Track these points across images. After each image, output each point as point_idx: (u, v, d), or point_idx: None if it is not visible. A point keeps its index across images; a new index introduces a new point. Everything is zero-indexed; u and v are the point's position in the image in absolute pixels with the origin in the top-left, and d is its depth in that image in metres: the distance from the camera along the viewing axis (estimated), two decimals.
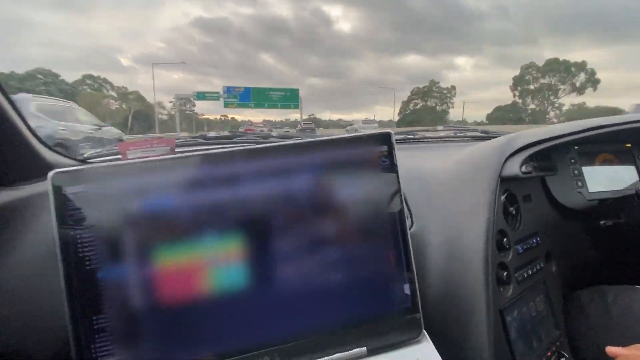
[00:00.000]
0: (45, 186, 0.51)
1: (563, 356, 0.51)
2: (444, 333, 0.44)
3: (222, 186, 0.37)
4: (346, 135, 0.41)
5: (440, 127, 0.97)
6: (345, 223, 0.39)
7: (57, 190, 0.34)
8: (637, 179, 0.63)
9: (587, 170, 0.62)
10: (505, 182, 0.49)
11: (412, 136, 0.87)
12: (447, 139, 0.87)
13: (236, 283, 0.36)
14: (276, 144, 0.38)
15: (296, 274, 0.38)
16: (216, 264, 0.36)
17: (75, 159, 0.65)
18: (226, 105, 16.89)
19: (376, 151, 0.41)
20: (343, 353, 0.38)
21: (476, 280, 0.42)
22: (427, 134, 0.90)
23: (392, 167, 0.41)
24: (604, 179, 0.63)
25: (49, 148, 0.58)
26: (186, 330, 0.35)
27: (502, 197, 0.50)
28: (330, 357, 0.38)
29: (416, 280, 0.41)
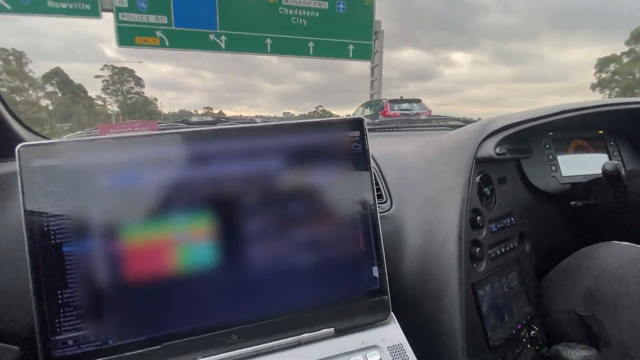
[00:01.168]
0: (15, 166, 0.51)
1: (533, 329, 0.53)
2: (418, 309, 0.45)
3: (192, 165, 0.37)
4: (319, 119, 0.42)
5: (423, 117, 0.99)
6: (315, 206, 0.40)
7: (25, 163, 0.33)
8: None
9: (560, 156, 0.65)
10: (481, 164, 0.51)
11: (394, 125, 0.89)
12: (428, 127, 0.89)
13: (204, 262, 0.37)
14: (246, 125, 0.39)
15: (265, 255, 0.38)
16: (184, 242, 0.36)
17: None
18: (123, 42, 4.44)
19: (348, 136, 0.42)
20: (311, 333, 0.39)
21: (450, 255, 0.44)
22: (411, 123, 0.91)
23: (363, 153, 0.42)
24: (577, 163, 0.66)
25: (27, 127, 0.57)
26: (153, 307, 0.35)
27: (477, 178, 0.52)
28: (298, 337, 0.38)
29: (385, 264, 0.42)
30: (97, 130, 0.64)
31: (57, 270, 0.33)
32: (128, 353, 0.35)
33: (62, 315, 0.34)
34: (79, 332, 0.34)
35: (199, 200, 0.37)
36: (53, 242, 0.33)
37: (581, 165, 0.66)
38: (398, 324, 0.41)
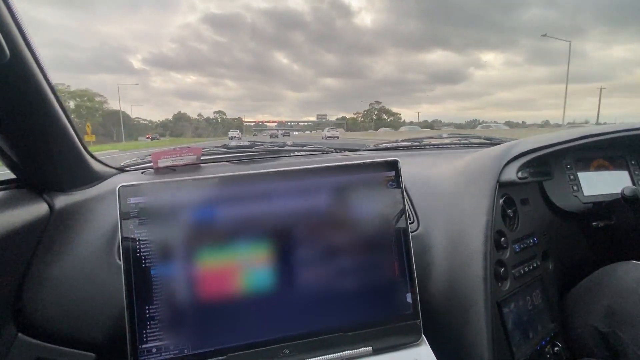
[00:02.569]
0: (95, 192, 0.60)
1: (557, 346, 0.55)
2: (446, 327, 0.48)
3: (255, 201, 0.44)
4: (360, 162, 0.48)
5: (445, 135, 1.02)
6: (356, 237, 0.46)
7: (123, 200, 0.41)
8: (630, 183, 0.67)
9: (582, 176, 0.66)
10: (504, 187, 0.54)
11: (418, 143, 0.93)
12: (451, 146, 0.92)
13: (263, 284, 0.43)
14: (300, 167, 0.46)
15: (313, 279, 0.44)
16: (246, 268, 0.43)
17: (114, 168, 0.73)
18: None
19: (385, 175, 0.48)
20: (352, 351, 0.44)
21: (476, 275, 0.47)
22: (433, 141, 0.95)
23: (398, 189, 0.48)
24: (599, 183, 0.67)
25: (94, 157, 0.66)
26: (220, 322, 0.42)
27: (501, 201, 0.54)
28: (340, 354, 0.44)
29: (417, 290, 0.47)
30: (150, 157, 0.73)
31: (145, 289, 0.41)
32: None
33: (148, 327, 0.40)
34: (161, 342, 0.41)
35: (260, 231, 0.44)
36: (143, 265, 0.41)
37: (603, 184, 0.67)
38: (428, 345, 0.46)
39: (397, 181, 0.48)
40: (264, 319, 0.43)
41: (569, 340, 0.58)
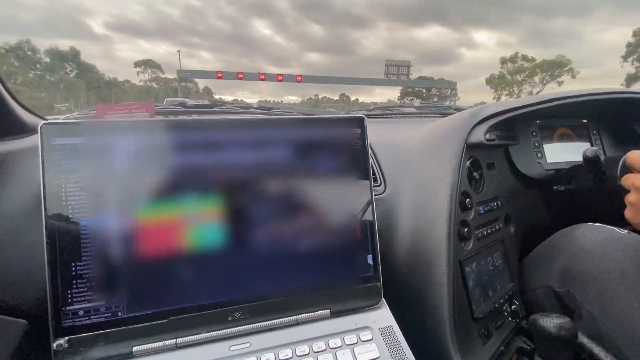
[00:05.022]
0: (22, 144, 0.52)
1: (514, 304, 0.58)
2: (408, 289, 0.48)
3: (203, 151, 0.40)
4: (323, 115, 0.45)
5: (415, 104, 1.03)
6: (316, 195, 0.43)
7: (46, 140, 0.35)
8: None
9: (546, 144, 0.70)
10: (471, 149, 0.55)
11: (389, 112, 0.93)
12: (422, 115, 0.92)
13: (211, 242, 0.39)
14: (258, 117, 0.42)
15: (268, 238, 0.41)
16: (193, 223, 0.39)
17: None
18: None
19: (350, 132, 0.45)
20: (308, 314, 0.41)
21: (440, 234, 0.47)
22: (404, 110, 0.95)
23: (363, 149, 0.45)
24: (561, 151, 0.71)
25: (26, 109, 0.58)
26: (161, 283, 0.38)
27: (467, 163, 0.55)
28: (297, 316, 0.41)
29: (379, 252, 0.45)
30: (94, 111, 0.65)
31: (72, 243, 0.35)
32: (135, 325, 0.36)
33: (74, 286, 0.35)
34: (90, 304, 0.35)
35: (209, 184, 0.39)
36: (70, 216, 0.35)
37: (565, 152, 0.71)
38: (388, 308, 0.44)
39: (362, 139, 0.45)
40: (212, 280, 0.39)
41: (525, 299, 0.60)
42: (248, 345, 0.38)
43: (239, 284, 0.40)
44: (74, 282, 0.35)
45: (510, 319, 0.57)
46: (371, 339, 0.40)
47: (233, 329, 0.39)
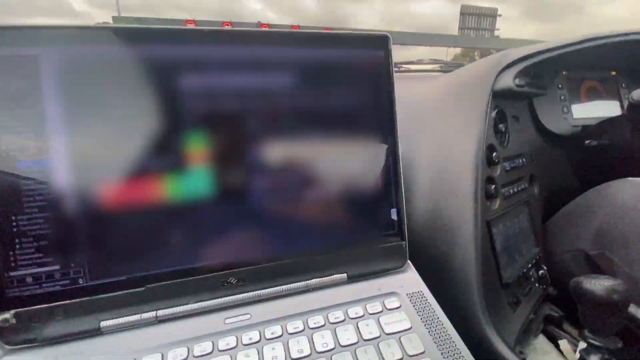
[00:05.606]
0: None
1: (542, 269, 0.53)
2: (430, 250, 0.43)
3: (185, 71, 0.30)
4: (338, 32, 0.35)
5: (426, 60, 0.94)
6: (330, 134, 0.34)
7: None
8: (619, 110, 0.66)
9: (573, 97, 0.65)
10: (497, 99, 0.49)
11: (397, 68, 0.84)
12: (434, 71, 0.84)
13: (198, 191, 0.30)
14: (255, 30, 0.32)
15: (270, 187, 0.33)
16: (173, 167, 0.30)
17: None
18: None
19: (371, 55, 0.35)
20: (321, 279, 0.34)
21: (465, 192, 0.41)
22: (412, 67, 0.86)
23: (388, 77, 0.36)
24: (589, 107, 0.66)
25: None
26: (135, 243, 0.29)
27: (493, 113, 0.49)
28: (306, 282, 0.33)
29: (404, 206, 0.37)
30: None
31: (9, 191, 0.26)
32: (102, 295, 0.29)
33: (17, 247, 0.27)
34: (40, 269, 0.27)
35: (195, 115, 0.30)
36: (4, 155, 0.26)
37: (592, 109, 0.66)
38: (415, 271, 0.37)
39: (386, 63, 0.36)
40: (201, 239, 0.31)
41: (550, 265, 0.56)
42: (248, 316, 0.31)
43: (234, 245, 0.32)
44: (17, 241, 0.27)
45: (537, 285, 0.52)
46: (399, 307, 0.32)
47: (228, 298, 0.31)
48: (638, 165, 0.57)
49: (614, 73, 0.68)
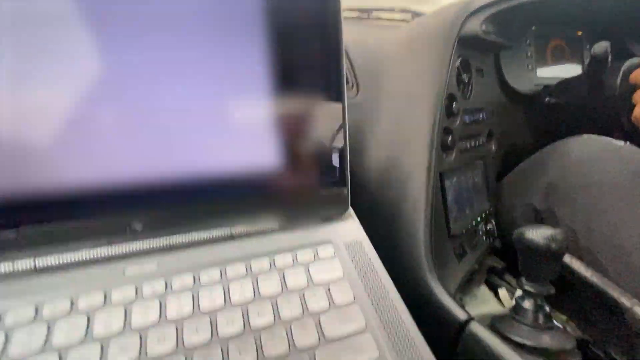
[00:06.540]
0: None
1: (490, 223, 0.55)
2: (380, 201, 0.41)
3: None
4: None
5: (397, 10, 0.88)
6: (263, 51, 0.29)
7: None
8: (580, 72, 0.67)
9: (538, 56, 0.66)
10: (461, 47, 0.47)
11: (366, 16, 0.78)
12: (403, 22, 0.80)
13: (84, 100, 0.24)
14: None
15: (185, 103, 0.27)
16: (45, 71, 0.23)
17: None
18: None
19: None
20: (247, 227, 0.30)
21: (421, 142, 0.39)
22: (382, 15, 0.81)
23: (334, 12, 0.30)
24: (552, 68, 0.67)
25: None
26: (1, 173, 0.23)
27: (457, 62, 0.46)
28: (230, 228, 0.29)
29: (347, 152, 0.33)
30: None
31: None
32: None
33: None
34: None
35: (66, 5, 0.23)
36: None
37: (555, 69, 0.67)
38: (357, 220, 0.34)
39: None
40: (94, 172, 0.25)
41: (499, 220, 0.57)
42: (154, 267, 0.26)
43: (141, 181, 0.26)
44: None
45: (484, 238, 0.53)
46: (333, 256, 0.29)
47: (131, 244, 0.26)
48: (595, 124, 0.58)
49: (579, 34, 0.69)
